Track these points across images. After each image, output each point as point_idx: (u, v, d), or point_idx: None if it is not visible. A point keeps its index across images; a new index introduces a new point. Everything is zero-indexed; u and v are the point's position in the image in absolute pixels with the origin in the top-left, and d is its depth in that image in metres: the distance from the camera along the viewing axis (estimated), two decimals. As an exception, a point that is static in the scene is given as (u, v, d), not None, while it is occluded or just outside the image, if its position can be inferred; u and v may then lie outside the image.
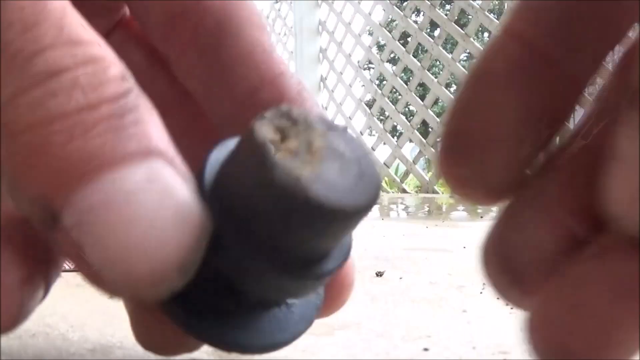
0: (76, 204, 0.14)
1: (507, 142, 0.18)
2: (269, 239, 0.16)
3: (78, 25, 0.15)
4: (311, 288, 0.19)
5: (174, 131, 0.19)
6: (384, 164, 3.47)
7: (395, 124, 3.56)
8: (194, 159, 0.18)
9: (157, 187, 0.14)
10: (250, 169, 0.16)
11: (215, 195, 0.16)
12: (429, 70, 3.28)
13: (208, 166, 0.17)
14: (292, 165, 0.16)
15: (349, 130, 0.18)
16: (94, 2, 0.21)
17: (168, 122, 0.20)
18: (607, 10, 0.19)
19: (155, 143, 0.15)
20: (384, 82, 3.57)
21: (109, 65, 0.15)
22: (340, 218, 0.17)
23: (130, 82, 0.15)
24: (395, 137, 3.62)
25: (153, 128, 0.15)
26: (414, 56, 3.36)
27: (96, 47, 0.15)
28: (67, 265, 0.55)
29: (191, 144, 0.20)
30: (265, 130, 0.16)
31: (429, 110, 3.21)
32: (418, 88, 3.41)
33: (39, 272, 0.18)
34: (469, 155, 0.18)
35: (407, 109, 3.74)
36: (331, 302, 0.21)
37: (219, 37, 0.19)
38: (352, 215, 0.18)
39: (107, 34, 0.23)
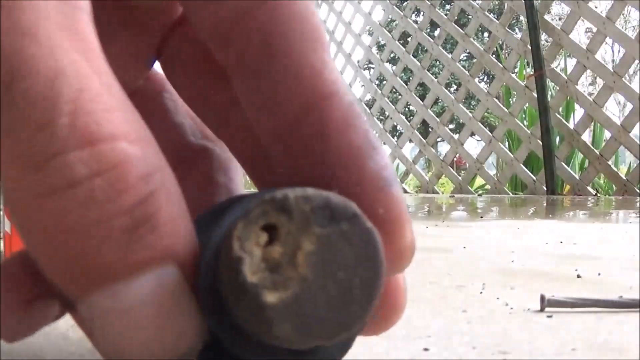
0: (88, 304, 0.14)
1: None
2: (257, 342, 0.15)
3: (97, 112, 0.14)
4: None
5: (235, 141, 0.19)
6: (384, 164, 3.46)
7: (395, 124, 3.56)
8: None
9: (163, 299, 0.15)
10: (227, 280, 0.15)
11: (209, 285, 0.16)
12: (429, 70, 3.28)
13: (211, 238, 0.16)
14: (264, 285, 0.14)
15: (361, 218, 0.15)
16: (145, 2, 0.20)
17: (225, 131, 0.19)
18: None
19: (170, 248, 0.15)
20: (384, 82, 3.57)
21: (129, 167, 0.14)
22: (309, 353, 0.15)
23: (154, 182, 0.14)
24: (395, 137, 3.63)
25: (170, 229, 0.15)
26: (414, 56, 3.36)
27: (116, 143, 0.14)
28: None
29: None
30: (245, 234, 0.14)
31: (429, 110, 3.21)
32: (418, 88, 3.41)
33: (45, 293, 0.18)
34: None
35: (407, 109, 3.74)
36: (381, 323, 0.20)
37: (264, 55, 0.16)
38: (321, 351, 0.16)
39: (165, 37, 0.21)
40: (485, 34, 8.00)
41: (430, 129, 3.29)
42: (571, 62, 2.86)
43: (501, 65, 2.82)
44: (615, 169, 2.56)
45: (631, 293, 0.45)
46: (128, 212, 0.14)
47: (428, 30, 3.31)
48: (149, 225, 0.14)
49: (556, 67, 2.76)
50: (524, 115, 2.99)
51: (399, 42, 3.40)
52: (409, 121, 3.31)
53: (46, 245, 0.14)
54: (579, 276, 0.54)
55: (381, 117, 4.18)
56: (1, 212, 0.58)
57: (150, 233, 0.14)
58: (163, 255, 0.14)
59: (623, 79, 2.44)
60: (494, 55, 2.91)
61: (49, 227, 0.14)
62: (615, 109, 8.85)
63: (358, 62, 3.81)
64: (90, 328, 0.15)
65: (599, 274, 0.55)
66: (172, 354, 0.15)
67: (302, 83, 0.16)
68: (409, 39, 3.30)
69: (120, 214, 0.14)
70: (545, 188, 2.64)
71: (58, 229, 0.14)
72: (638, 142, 2.40)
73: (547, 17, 2.68)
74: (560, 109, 2.73)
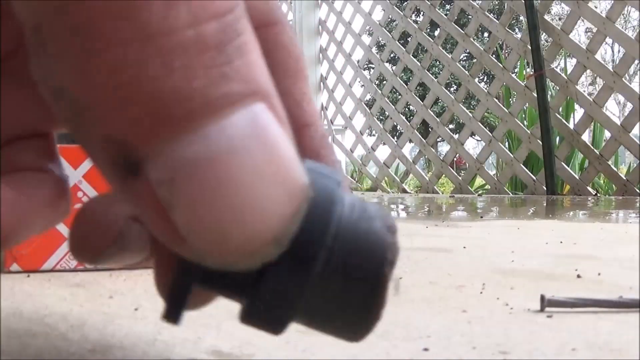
0: (169, 157, 0.11)
1: None
2: None
3: None
4: None
5: None
6: (384, 164, 3.48)
7: (395, 124, 3.56)
8: None
9: (262, 140, 0.12)
10: None
11: None
12: (429, 70, 3.28)
13: None
14: None
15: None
16: None
17: None
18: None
19: (260, 81, 0.12)
20: (384, 82, 3.57)
21: None
22: None
23: (240, 8, 0.12)
24: (395, 137, 3.63)
25: (257, 60, 0.12)
26: (414, 56, 3.36)
27: None
28: (67, 265, 0.55)
29: None
30: None
31: (429, 110, 3.21)
32: (418, 88, 3.41)
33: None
34: None
35: (407, 109, 3.74)
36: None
37: None
38: None
39: None
40: (485, 34, 8.00)
41: (430, 129, 3.29)
42: (571, 62, 2.86)
43: (501, 65, 2.81)
44: (615, 169, 2.55)
45: (631, 293, 0.45)
46: (218, 17, 0.11)
47: (428, 30, 3.31)
48: (238, 44, 0.11)
49: (556, 67, 2.76)
50: (524, 116, 2.99)
51: (399, 42, 3.40)
52: (409, 121, 3.31)
53: (121, 55, 0.11)
54: (579, 276, 0.54)
55: (381, 117, 4.18)
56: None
57: (239, 56, 0.11)
58: (255, 90, 0.12)
59: (623, 79, 2.44)
60: (494, 55, 2.91)
61: (127, 33, 0.11)
62: (615, 109, 8.86)
63: (358, 62, 3.80)
64: (168, 196, 0.11)
65: (599, 274, 0.55)
66: (274, 221, 0.12)
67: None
68: (409, 39, 3.30)
69: (211, 18, 0.11)
70: (545, 188, 2.64)
71: (141, 33, 0.11)
72: (638, 142, 2.39)
73: (547, 17, 2.68)
74: (560, 109, 2.73)
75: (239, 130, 0.11)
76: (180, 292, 0.14)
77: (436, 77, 3.19)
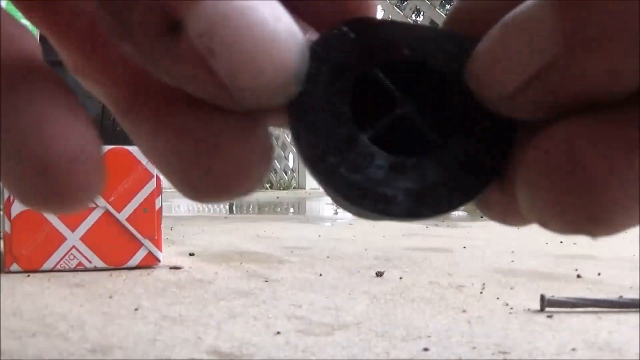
0: (207, 11, 0.13)
1: None
2: None
3: None
4: None
5: None
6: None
7: (395, 123, 3.55)
8: None
9: None
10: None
11: None
12: (429, 70, 3.28)
13: None
14: None
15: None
16: None
17: None
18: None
19: None
20: (384, 82, 3.57)
21: None
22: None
23: None
24: (395, 137, 3.62)
25: None
26: (414, 56, 3.35)
27: None
28: (67, 265, 0.55)
29: None
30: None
31: (429, 110, 3.20)
32: (418, 88, 3.41)
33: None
34: None
35: (407, 109, 3.73)
36: None
37: None
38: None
39: None
40: (485, 34, 7.99)
41: (430, 129, 3.30)
42: (571, 62, 2.85)
43: (501, 65, 2.82)
44: (615, 169, 2.56)
45: (631, 293, 0.45)
46: None
47: (428, 30, 3.32)
48: None
49: None
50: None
51: (399, 42, 3.40)
52: (409, 121, 3.32)
53: None
54: (579, 276, 0.54)
55: (381, 117, 4.18)
56: (1, 212, 0.58)
57: None
58: None
59: (623, 79, 2.44)
60: (494, 55, 2.92)
61: None
62: (615, 109, 8.87)
63: (358, 62, 3.81)
64: (209, 45, 0.14)
65: (599, 274, 0.55)
66: (291, 58, 0.14)
67: None
68: (409, 39, 3.30)
69: None
70: (545, 188, 2.64)
71: None
72: (638, 142, 2.40)
73: (547, 17, 2.69)
74: (560, 109, 2.73)
75: None
76: None
77: (436, 77, 3.20)
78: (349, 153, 0.17)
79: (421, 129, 0.18)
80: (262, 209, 1.96)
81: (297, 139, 0.17)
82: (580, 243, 0.82)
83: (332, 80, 0.16)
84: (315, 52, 0.17)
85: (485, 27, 0.19)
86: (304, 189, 3.95)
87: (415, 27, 0.19)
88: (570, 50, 0.15)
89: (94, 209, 0.56)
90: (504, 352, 0.31)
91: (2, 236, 0.57)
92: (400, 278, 0.54)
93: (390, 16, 3.51)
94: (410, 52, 0.19)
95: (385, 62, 0.18)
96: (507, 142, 0.18)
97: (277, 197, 2.81)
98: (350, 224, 1.22)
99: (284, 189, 4.31)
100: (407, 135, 0.18)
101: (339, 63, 0.17)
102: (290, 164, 4.46)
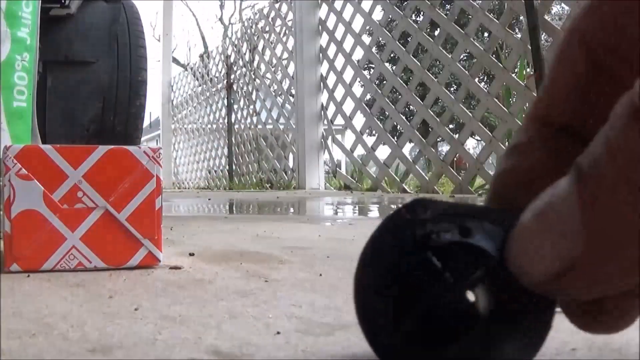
0: None
1: None
2: None
3: None
4: None
5: None
6: (384, 164, 3.48)
7: (395, 124, 3.56)
8: None
9: None
10: None
11: None
12: (429, 70, 3.28)
13: None
14: None
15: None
16: None
17: None
18: (619, 88, 0.22)
19: None
20: (384, 82, 3.57)
21: None
22: None
23: None
24: (395, 137, 3.63)
25: None
26: (414, 56, 3.36)
27: None
28: (67, 265, 0.55)
29: None
30: None
31: (429, 110, 3.21)
32: (418, 88, 3.41)
33: None
34: None
35: (407, 109, 3.74)
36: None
37: None
38: None
39: None
40: (485, 34, 8.00)
41: (430, 129, 3.29)
42: (571, 62, 2.85)
43: (501, 65, 2.82)
44: (615, 169, 2.55)
45: (631, 293, 0.45)
46: None
47: (428, 30, 3.31)
48: None
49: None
50: (523, 115, 2.99)
51: (399, 42, 3.40)
52: (409, 121, 3.31)
53: None
54: (579, 276, 0.54)
55: (381, 117, 4.18)
56: (1, 212, 0.58)
57: None
58: None
59: (623, 79, 2.43)
60: (494, 55, 2.91)
61: None
62: (615, 109, 8.83)
63: (358, 62, 3.81)
64: None
65: (599, 274, 0.55)
66: None
67: None
68: (409, 39, 3.30)
69: None
70: (545, 188, 2.63)
71: None
72: (638, 142, 2.39)
73: (547, 17, 2.68)
74: (560, 109, 2.73)
75: None
76: None
77: (436, 77, 3.20)
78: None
79: (471, 309, 0.21)
80: (262, 209, 1.96)
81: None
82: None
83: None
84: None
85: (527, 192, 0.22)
86: (304, 189, 3.94)
87: (467, 208, 0.22)
88: (591, 251, 0.18)
89: (94, 209, 0.56)
90: (504, 352, 0.31)
91: (2, 236, 0.57)
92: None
93: (390, 16, 3.51)
94: (460, 236, 0.21)
95: (438, 245, 0.21)
96: (549, 310, 0.21)
97: (277, 197, 2.80)
98: (350, 224, 1.21)
99: (284, 189, 4.30)
100: (455, 312, 0.21)
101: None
102: (290, 164, 4.45)
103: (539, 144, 0.24)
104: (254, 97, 5.04)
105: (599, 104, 0.23)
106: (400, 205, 0.22)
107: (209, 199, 2.79)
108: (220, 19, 16.71)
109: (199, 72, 6.15)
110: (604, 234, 0.17)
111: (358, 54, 3.79)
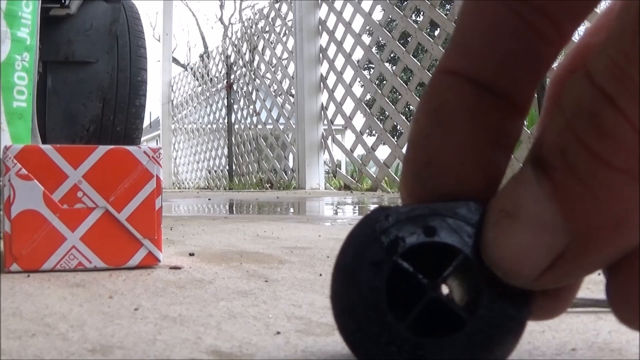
0: None
1: (466, 167, 0.21)
2: None
3: None
4: None
5: None
6: (384, 164, 3.48)
7: (395, 123, 3.56)
8: None
9: None
10: None
11: None
12: (428, 70, 3.28)
13: None
14: None
15: None
16: None
17: None
18: (540, 46, 0.21)
19: None
20: (384, 82, 3.57)
21: None
22: None
23: None
24: (395, 137, 3.63)
25: None
26: (414, 56, 3.36)
27: None
28: (67, 265, 0.55)
29: None
30: None
31: (429, 110, 3.20)
32: (418, 88, 3.41)
33: None
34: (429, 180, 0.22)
35: (407, 109, 3.74)
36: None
37: None
38: None
39: None
40: (485, 34, 7.98)
41: (430, 129, 3.29)
42: (571, 62, 2.85)
43: (501, 65, 2.81)
44: (615, 169, 2.55)
45: (631, 293, 0.45)
46: None
47: (428, 30, 3.31)
48: None
49: (556, 67, 2.75)
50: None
51: (399, 42, 3.40)
52: (409, 121, 3.31)
53: None
54: (579, 276, 0.54)
55: (381, 117, 4.18)
56: (1, 212, 0.58)
57: None
58: None
59: (623, 79, 2.43)
60: (494, 55, 2.91)
61: None
62: (615, 109, 8.84)
63: (358, 62, 3.81)
64: None
65: (599, 274, 0.55)
66: None
67: None
68: (409, 39, 3.30)
69: None
70: (545, 188, 2.63)
71: None
72: (638, 142, 2.39)
73: (547, 17, 2.68)
74: (560, 109, 2.73)
75: None
76: None
77: (436, 77, 3.19)
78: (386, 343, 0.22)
79: (452, 309, 0.21)
80: (262, 209, 1.96)
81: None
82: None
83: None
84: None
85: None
86: (304, 189, 3.95)
87: (428, 208, 0.22)
88: (577, 240, 0.18)
89: (94, 209, 0.56)
90: (504, 352, 0.31)
91: (2, 236, 0.57)
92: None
93: (390, 16, 3.51)
94: (425, 237, 0.22)
95: (409, 250, 0.21)
96: (528, 298, 0.21)
97: (277, 197, 2.80)
98: (350, 224, 1.21)
99: (284, 189, 4.30)
100: (440, 312, 0.21)
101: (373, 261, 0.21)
102: (290, 164, 4.46)
103: (462, 109, 0.21)
104: (254, 97, 5.04)
105: (524, 62, 0.21)
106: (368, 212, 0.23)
107: (209, 199, 2.79)
108: (220, 19, 16.71)
109: (199, 72, 6.15)
110: (586, 219, 0.17)
111: (358, 54, 3.79)
